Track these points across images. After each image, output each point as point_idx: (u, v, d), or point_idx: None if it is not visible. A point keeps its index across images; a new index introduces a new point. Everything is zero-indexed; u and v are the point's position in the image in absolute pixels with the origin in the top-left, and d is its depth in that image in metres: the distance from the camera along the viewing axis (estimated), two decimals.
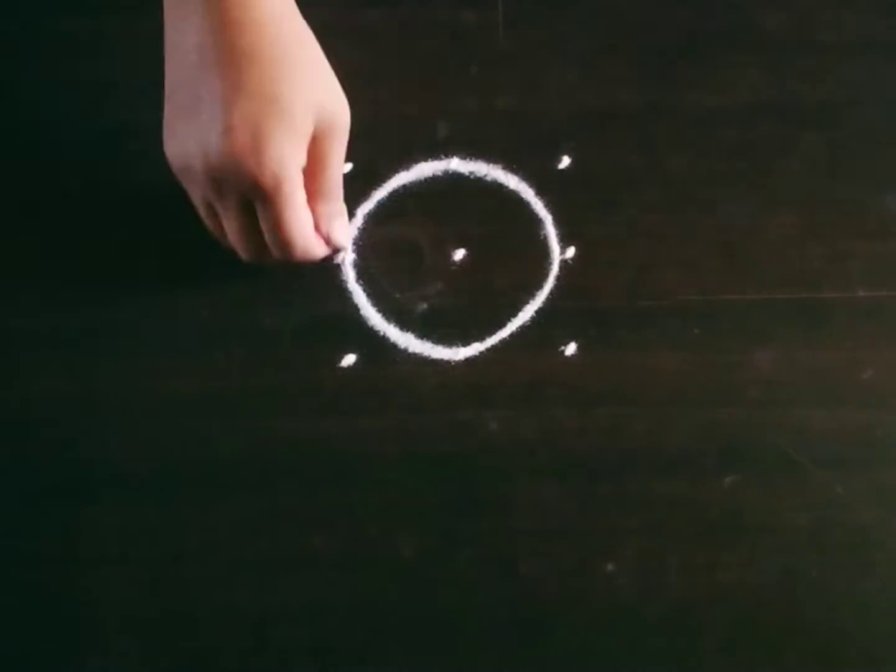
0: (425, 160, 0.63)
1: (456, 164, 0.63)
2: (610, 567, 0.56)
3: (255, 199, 0.53)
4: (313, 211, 0.56)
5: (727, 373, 0.60)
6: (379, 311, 0.61)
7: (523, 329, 0.61)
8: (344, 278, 0.62)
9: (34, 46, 0.66)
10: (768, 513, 0.57)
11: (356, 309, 0.61)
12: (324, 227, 0.58)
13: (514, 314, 0.61)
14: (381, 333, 0.61)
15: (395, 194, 0.63)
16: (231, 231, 0.56)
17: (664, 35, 0.67)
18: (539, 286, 0.61)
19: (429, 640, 0.55)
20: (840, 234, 0.62)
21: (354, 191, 0.63)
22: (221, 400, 0.59)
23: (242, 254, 0.57)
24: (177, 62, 0.53)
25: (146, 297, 0.61)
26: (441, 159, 0.63)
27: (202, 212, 0.57)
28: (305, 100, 0.52)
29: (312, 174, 0.55)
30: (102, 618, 0.56)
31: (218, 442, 0.59)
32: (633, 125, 0.64)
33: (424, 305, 0.61)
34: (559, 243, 0.62)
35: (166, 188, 0.63)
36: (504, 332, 0.60)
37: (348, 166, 0.62)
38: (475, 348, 0.60)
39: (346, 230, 0.60)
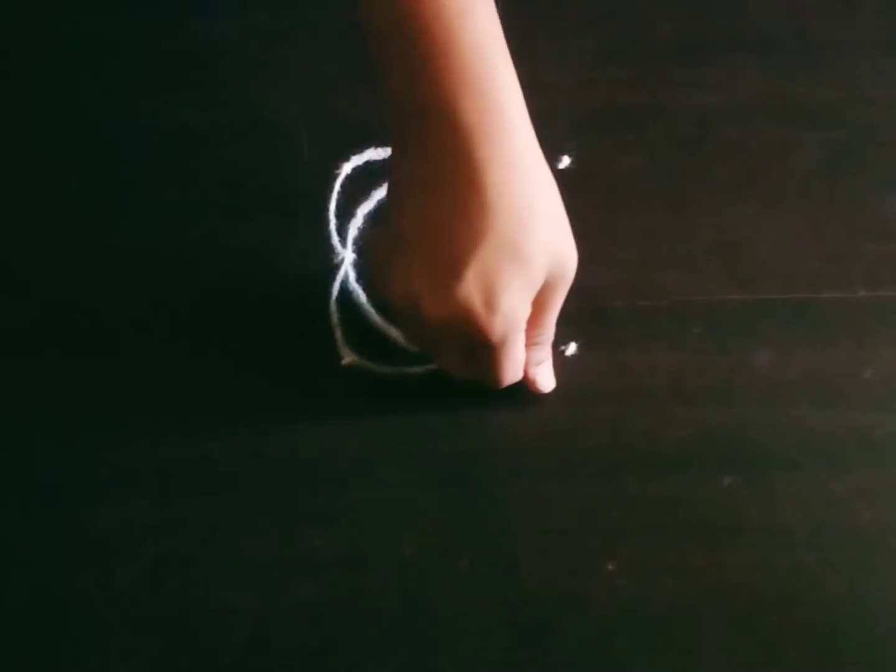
0: None
1: None
2: (610, 567, 0.56)
3: (477, 346, 0.50)
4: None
5: (727, 373, 0.60)
6: (379, 311, 0.61)
7: None
8: (344, 278, 0.62)
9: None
10: (768, 513, 0.57)
11: (356, 309, 0.61)
12: (531, 371, 0.57)
13: None
14: (382, 333, 0.61)
15: None
16: (444, 363, 0.55)
17: (664, 35, 0.67)
18: None
19: (429, 640, 0.55)
20: (840, 234, 0.62)
21: (355, 190, 0.63)
22: (221, 400, 0.59)
23: (454, 376, 0.56)
24: (406, 189, 0.49)
25: (146, 297, 0.61)
26: None
27: (415, 342, 0.56)
28: (543, 250, 0.48)
29: (531, 319, 0.52)
30: (102, 618, 0.56)
31: (218, 442, 0.59)
32: (633, 125, 0.64)
33: None
34: None
35: (165, 189, 0.64)
36: None
37: (349, 166, 0.62)
38: None
39: (551, 374, 0.58)
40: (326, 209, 0.63)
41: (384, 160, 0.63)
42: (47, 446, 0.59)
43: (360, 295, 0.61)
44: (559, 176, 0.62)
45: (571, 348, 0.60)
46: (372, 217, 0.63)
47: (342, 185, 0.63)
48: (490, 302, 0.48)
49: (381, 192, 0.63)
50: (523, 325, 0.51)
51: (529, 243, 0.48)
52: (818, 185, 0.63)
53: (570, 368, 0.60)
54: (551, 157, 0.63)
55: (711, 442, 0.58)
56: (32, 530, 0.58)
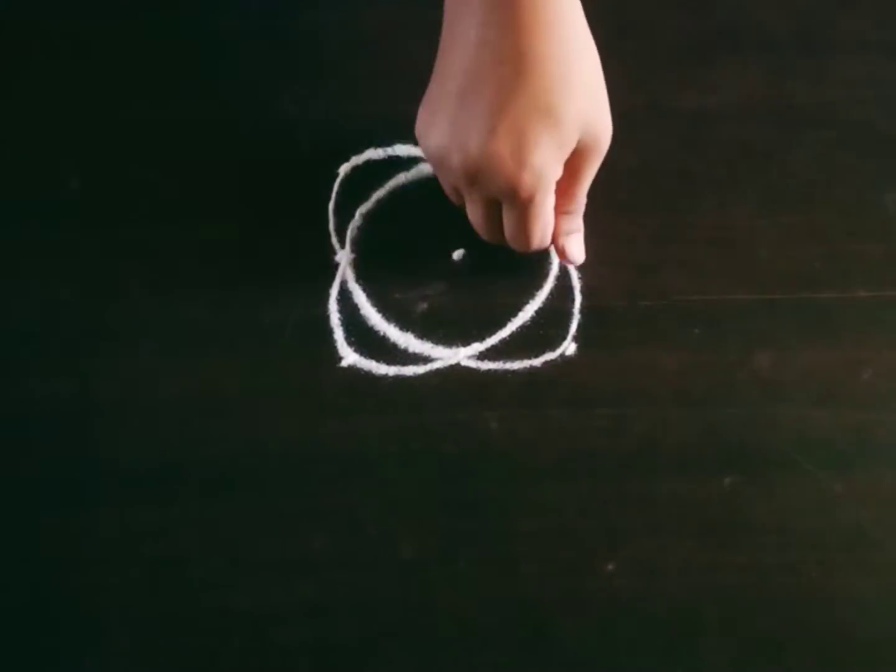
0: (425, 160, 0.63)
1: None
2: (610, 567, 0.56)
3: (504, 200, 0.54)
4: (555, 220, 0.57)
5: (727, 373, 0.60)
6: (379, 311, 0.61)
7: (523, 329, 0.61)
8: (344, 278, 0.62)
9: None
10: (768, 513, 0.57)
11: (356, 309, 0.61)
12: (561, 239, 0.59)
13: (514, 314, 0.61)
14: (381, 333, 0.61)
15: (395, 194, 0.63)
16: (473, 216, 0.57)
17: (664, 35, 0.67)
18: (539, 286, 0.61)
19: (429, 640, 0.55)
20: (840, 234, 0.62)
21: (355, 191, 0.63)
22: (221, 400, 0.59)
23: (482, 235, 0.58)
24: (453, 52, 0.52)
25: (146, 296, 0.61)
26: None
27: (448, 193, 0.58)
28: (576, 115, 0.51)
29: (562, 186, 0.56)
30: (102, 618, 0.56)
31: (218, 442, 0.59)
32: (633, 125, 0.64)
33: (424, 305, 0.61)
34: None
35: (165, 189, 0.64)
36: (504, 332, 0.60)
37: (349, 166, 0.62)
38: (475, 348, 0.60)
39: (581, 246, 0.60)
40: (326, 209, 0.63)
41: (384, 160, 0.63)
42: (47, 446, 0.59)
43: (360, 295, 0.62)
44: None
45: (571, 348, 0.60)
46: (372, 217, 0.63)
47: (342, 185, 0.63)
48: (519, 155, 0.50)
49: (381, 192, 0.63)
50: (552, 185, 0.54)
51: (562, 104, 0.51)
52: (818, 185, 0.63)
53: (570, 368, 0.60)
54: None
55: (711, 442, 0.58)
56: (32, 530, 0.58)
